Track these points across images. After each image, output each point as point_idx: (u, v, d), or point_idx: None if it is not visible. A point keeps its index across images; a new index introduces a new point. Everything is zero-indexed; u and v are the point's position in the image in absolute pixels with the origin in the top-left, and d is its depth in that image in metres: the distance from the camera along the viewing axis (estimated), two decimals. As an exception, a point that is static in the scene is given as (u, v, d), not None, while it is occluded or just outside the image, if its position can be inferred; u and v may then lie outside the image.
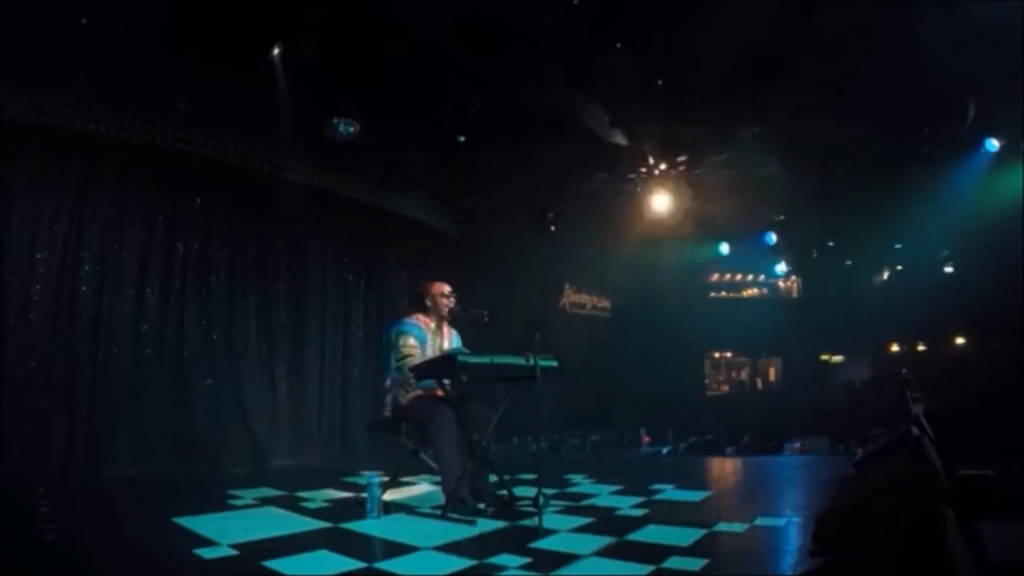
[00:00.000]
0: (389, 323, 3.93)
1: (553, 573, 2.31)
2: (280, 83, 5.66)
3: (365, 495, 3.27)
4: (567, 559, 2.46)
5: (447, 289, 3.85)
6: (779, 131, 7.98)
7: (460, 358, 3.34)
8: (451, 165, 7.76)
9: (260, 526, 3.01)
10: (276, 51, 5.57)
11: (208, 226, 6.07)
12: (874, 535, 1.86)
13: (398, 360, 3.62)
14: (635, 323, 12.58)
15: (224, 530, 2.91)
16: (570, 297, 12.52)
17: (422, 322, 3.78)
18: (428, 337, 3.75)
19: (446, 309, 3.82)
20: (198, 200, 6.02)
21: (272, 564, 2.39)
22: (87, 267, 5.24)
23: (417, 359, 3.57)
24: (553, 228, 10.55)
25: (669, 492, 3.99)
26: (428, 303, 3.82)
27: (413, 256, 7.81)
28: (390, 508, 3.42)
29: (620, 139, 8.23)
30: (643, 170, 9.50)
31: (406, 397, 3.64)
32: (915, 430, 3.32)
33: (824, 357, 15.03)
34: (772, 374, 16.42)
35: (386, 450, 5.21)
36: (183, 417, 5.56)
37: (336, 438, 6.80)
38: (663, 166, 9.36)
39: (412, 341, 3.65)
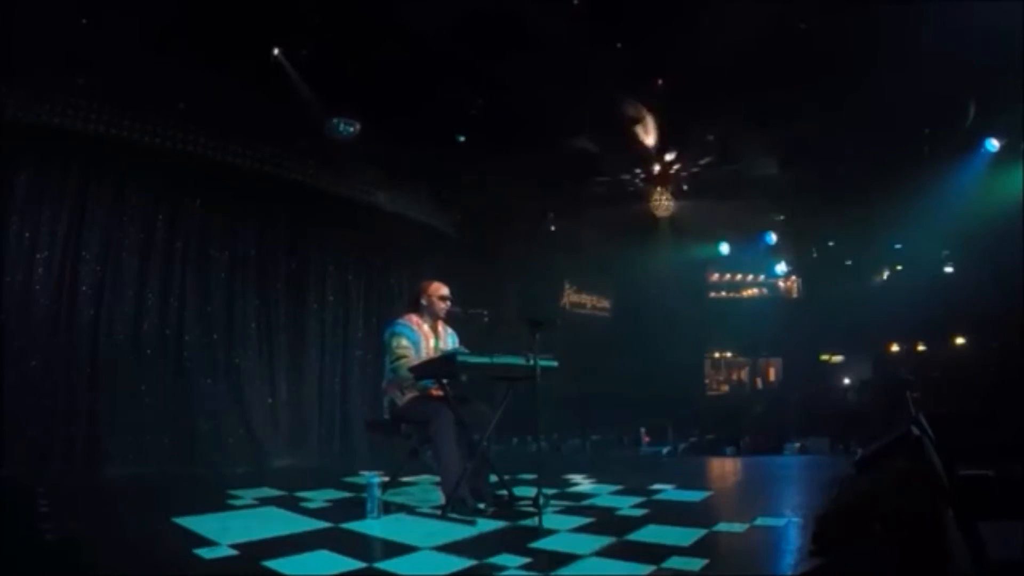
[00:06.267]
0: (386, 324, 3.91)
1: (553, 573, 2.31)
2: (289, 81, 5.67)
3: (365, 495, 3.27)
4: (567, 559, 2.46)
5: (445, 291, 3.79)
6: (779, 132, 7.99)
7: (460, 358, 3.33)
8: (451, 165, 7.76)
9: (260, 526, 3.01)
10: (276, 51, 5.58)
11: (208, 226, 6.06)
12: (874, 535, 1.86)
13: (392, 362, 3.60)
14: (635, 323, 12.58)
15: (224, 530, 2.90)
16: (570, 297, 12.53)
17: (415, 322, 3.74)
18: (422, 338, 3.70)
19: (443, 311, 3.78)
20: (198, 200, 6.01)
21: (272, 564, 2.38)
22: (87, 267, 5.23)
23: (411, 360, 3.55)
24: (553, 228, 10.56)
25: (669, 492, 3.98)
26: (423, 303, 3.78)
27: (413, 256, 7.80)
28: (390, 508, 3.41)
29: (619, 139, 8.24)
30: (643, 170, 9.51)
31: (403, 398, 3.62)
32: (915, 430, 3.32)
33: (824, 357, 15.02)
34: (772, 374, 16.43)
35: (386, 450, 5.21)
36: (183, 417, 5.54)
37: (336, 438, 6.78)
38: (663, 166, 9.37)
39: (405, 342, 3.61)
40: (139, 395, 5.34)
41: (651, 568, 2.31)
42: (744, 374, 16.80)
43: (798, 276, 15.37)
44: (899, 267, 14.06)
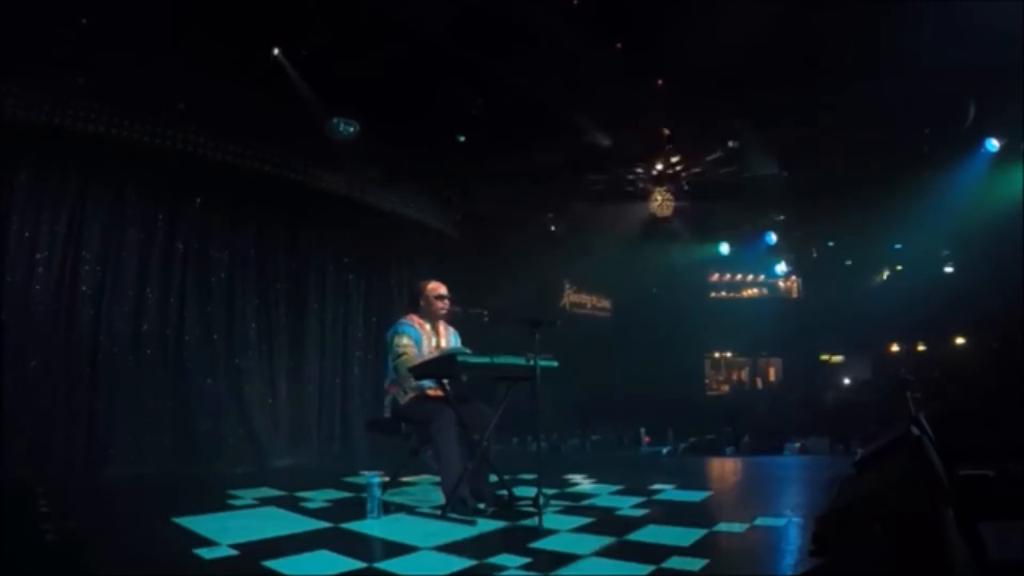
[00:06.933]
0: (388, 325, 3.93)
1: (553, 573, 2.31)
2: (289, 81, 5.67)
3: (365, 495, 3.27)
4: (567, 559, 2.46)
5: (442, 290, 3.81)
6: (779, 131, 7.98)
7: (460, 358, 3.33)
8: (451, 165, 7.76)
9: (260, 526, 3.01)
10: (276, 51, 5.59)
11: (208, 226, 6.07)
12: (874, 535, 1.86)
13: (394, 361, 3.62)
14: (635, 323, 12.59)
15: (224, 530, 2.91)
16: (570, 297, 12.53)
17: (416, 322, 3.76)
18: (423, 337, 3.73)
19: (442, 310, 3.79)
20: (198, 200, 6.01)
21: (272, 564, 2.38)
22: (87, 267, 5.24)
23: (412, 359, 3.56)
24: (553, 228, 10.56)
25: (669, 492, 3.98)
26: (422, 303, 3.80)
27: (413, 256, 7.81)
28: (390, 508, 3.42)
29: (620, 139, 8.24)
30: (643, 170, 9.51)
31: (405, 398, 3.63)
32: (915, 430, 3.32)
33: (824, 357, 15.03)
34: (772, 374, 16.44)
35: (386, 450, 5.21)
36: (183, 417, 5.55)
37: (336, 438, 6.78)
38: (663, 166, 9.37)
39: (407, 341, 3.63)
40: (139, 395, 5.34)
41: (651, 568, 2.31)
42: (744, 374, 16.81)
43: (798, 276, 15.38)
44: (899, 267, 14.06)
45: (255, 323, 6.33)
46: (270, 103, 5.80)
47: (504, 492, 3.60)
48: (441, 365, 3.41)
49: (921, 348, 13.50)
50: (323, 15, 5.34)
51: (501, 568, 2.37)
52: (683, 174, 9.58)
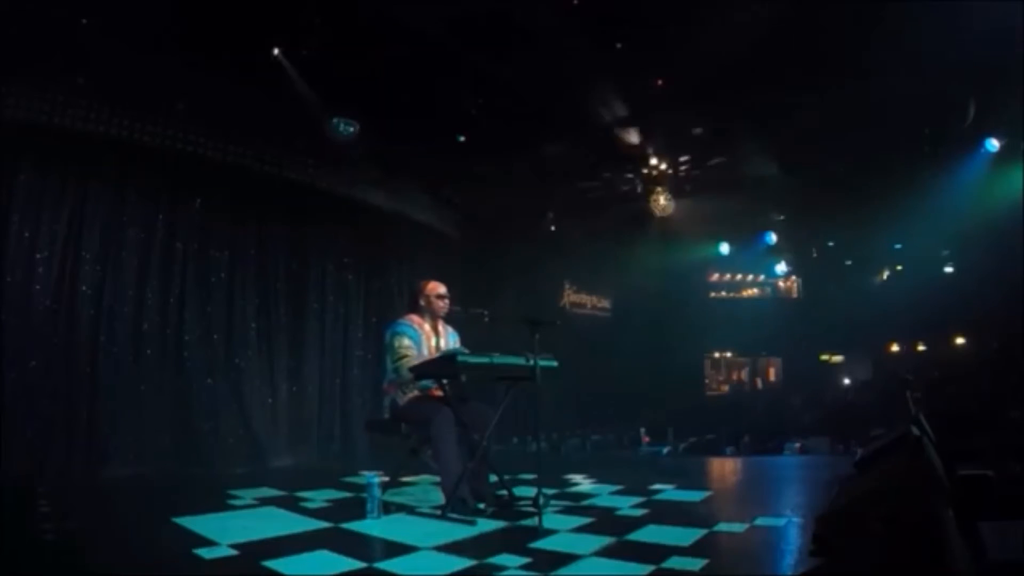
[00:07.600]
0: (386, 325, 3.92)
1: (553, 573, 2.31)
2: (289, 81, 5.68)
3: (365, 495, 3.27)
4: (567, 559, 2.46)
5: (442, 290, 3.81)
6: (779, 131, 7.98)
7: (460, 358, 3.33)
8: (451, 165, 7.76)
9: (260, 526, 3.01)
10: (276, 51, 5.59)
11: (208, 226, 6.05)
12: (874, 535, 1.86)
13: (395, 362, 3.61)
14: (635, 323, 12.58)
15: (224, 530, 2.91)
16: (570, 297, 12.52)
17: (416, 322, 3.75)
18: (423, 337, 3.72)
19: (442, 310, 3.79)
20: (198, 200, 6.00)
21: (272, 564, 2.39)
22: (87, 267, 5.22)
23: (413, 360, 3.56)
24: (553, 228, 10.56)
25: (669, 492, 3.98)
26: (422, 303, 3.80)
27: (413, 256, 7.80)
28: (390, 508, 3.42)
29: (620, 139, 8.24)
30: (643, 170, 9.51)
31: (404, 398, 3.63)
32: (915, 430, 3.32)
33: (824, 357, 15.04)
34: (772, 374, 16.44)
35: (386, 450, 5.21)
36: (183, 417, 5.54)
37: (336, 438, 6.77)
38: (663, 166, 9.37)
39: (407, 342, 3.62)
40: (139, 395, 5.33)
41: (651, 568, 2.32)
42: (744, 374, 16.82)
43: (798, 276, 15.40)
44: (899, 267, 14.07)
45: (255, 323, 6.31)
46: (270, 103, 5.80)
47: (504, 492, 3.60)
48: (441, 365, 3.41)
49: (921, 348, 13.51)
50: (323, 15, 5.34)
51: (501, 568, 2.37)
52: (682, 174, 9.58)
